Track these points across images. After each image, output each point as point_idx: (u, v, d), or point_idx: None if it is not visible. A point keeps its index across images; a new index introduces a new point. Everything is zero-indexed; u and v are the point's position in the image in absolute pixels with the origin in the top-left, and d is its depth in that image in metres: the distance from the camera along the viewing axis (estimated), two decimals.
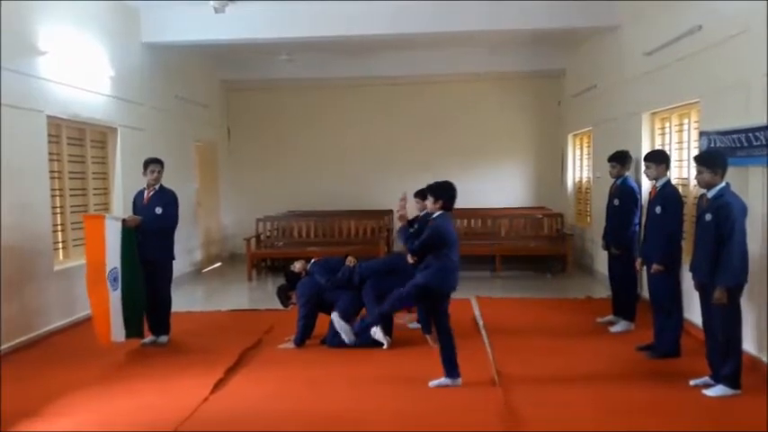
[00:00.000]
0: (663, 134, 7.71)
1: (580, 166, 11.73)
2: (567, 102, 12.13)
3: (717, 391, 4.78)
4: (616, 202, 6.87)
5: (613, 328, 6.73)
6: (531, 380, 5.25)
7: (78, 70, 7.44)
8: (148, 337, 6.47)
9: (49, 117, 6.87)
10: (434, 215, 5.04)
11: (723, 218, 4.64)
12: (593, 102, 10.17)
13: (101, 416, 4.61)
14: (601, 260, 9.85)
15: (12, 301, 6.22)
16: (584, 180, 11.37)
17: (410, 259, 5.24)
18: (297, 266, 6.62)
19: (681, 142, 7.26)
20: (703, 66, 6.30)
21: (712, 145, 5.86)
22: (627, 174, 6.96)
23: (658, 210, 5.63)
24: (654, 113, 7.82)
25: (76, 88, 7.42)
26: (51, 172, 7.07)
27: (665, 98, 7.29)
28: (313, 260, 6.65)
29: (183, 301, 8.05)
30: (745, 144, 5.30)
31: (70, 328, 7.05)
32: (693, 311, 5.76)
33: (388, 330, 6.19)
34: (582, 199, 11.62)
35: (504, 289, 9.40)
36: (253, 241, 10.65)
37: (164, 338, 6.51)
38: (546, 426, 4.35)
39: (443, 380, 5.08)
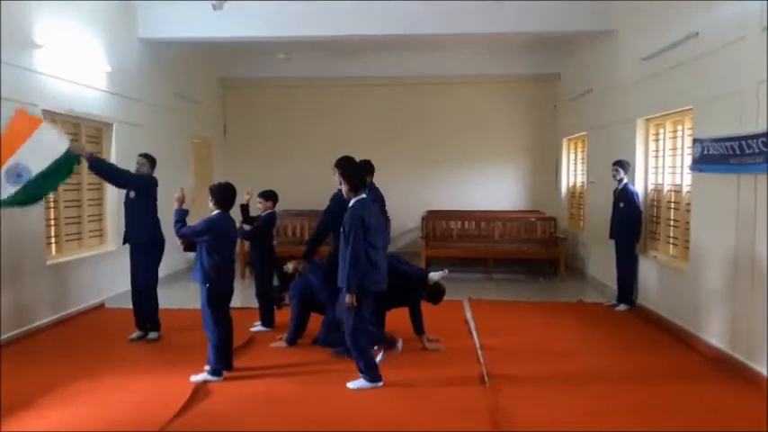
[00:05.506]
0: (657, 140, 7.75)
1: (574, 171, 11.77)
2: (562, 106, 12.16)
3: (357, 383, 5.11)
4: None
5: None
6: (521, 381, 5.28)
7: (74, 65, 7.43)
8: (135, 333, 6.50)
9: (43, 111, 6.84)
10: (213, 212, 5.49)
11: (346, 228, 4.99)
12: (589, 106, 10.21)
13: (91, 410, 4.62)
14: (593, 264, 9.90)
15: (3, 296, 6.21)
16: (578, 184, 11.40)
17: (179, 242, 5.57)
18: (290, 267, 6.63)
19: (674, 149, 7.30)
20: (698, 73, 6.33)
21: (705, 152, 5.90)
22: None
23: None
24: (648, 119, 7.85)
25: (72, 83, 7.41)
26: None
27: (660, 104, 7.31)
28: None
29: (176, 297, 8.04)
30: (738, 152, 5.33)
31: (62, 323, 7.06)
32: None
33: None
34: (575, 203, 11.65)
35: (497, 292, 9.41)
36: None
37: (154, 335, 6.52)
38: (535, 426, 4.37)
39: None
